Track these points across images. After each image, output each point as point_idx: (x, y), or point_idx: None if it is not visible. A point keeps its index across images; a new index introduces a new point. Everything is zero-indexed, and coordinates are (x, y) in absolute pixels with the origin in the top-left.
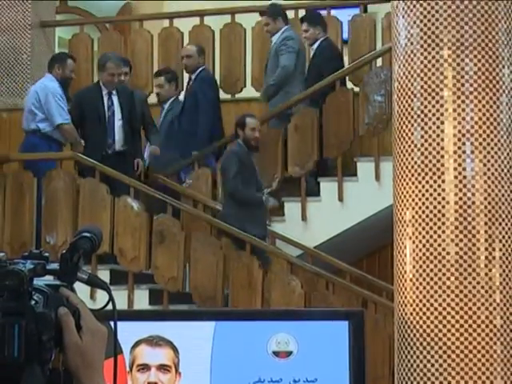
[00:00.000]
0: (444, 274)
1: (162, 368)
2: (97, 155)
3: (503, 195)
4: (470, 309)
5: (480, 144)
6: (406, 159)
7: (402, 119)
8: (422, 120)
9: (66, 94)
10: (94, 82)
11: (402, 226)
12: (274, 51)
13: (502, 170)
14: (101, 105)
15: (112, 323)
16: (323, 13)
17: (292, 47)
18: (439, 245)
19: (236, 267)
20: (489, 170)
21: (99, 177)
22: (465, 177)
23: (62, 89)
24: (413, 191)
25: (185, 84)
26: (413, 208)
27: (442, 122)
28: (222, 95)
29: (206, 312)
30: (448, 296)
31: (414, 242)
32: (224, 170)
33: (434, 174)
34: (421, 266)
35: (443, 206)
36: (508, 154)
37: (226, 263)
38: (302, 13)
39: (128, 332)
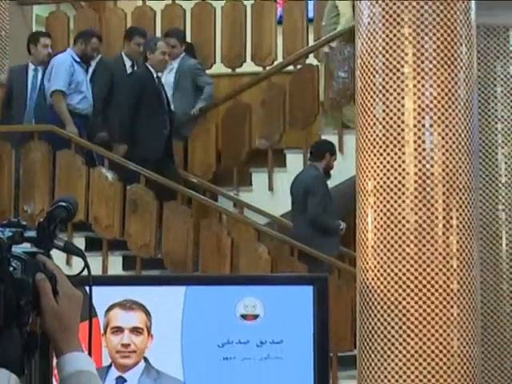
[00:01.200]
0: (404, 242)
1: (135, 330)
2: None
3: (460, 167)
4: (429, 274)
5: (439, 118)
6: (369, 132)
7: (364, 94)
8: (384, 95)
9: (84, 69)
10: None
11: (364, 195)
12: (190, 73)
13: (460, 143)
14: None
15: (87, 288)
16: None
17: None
18: (399, 213)
19: (206, 235)
20: (447, 142)
21: (74, 148)
22: (424, 149)
23: (80, 64)
24: (374, 163)
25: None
26: (374, 179)
27: (403, 97)
28: None
29: (176, 277)
30: (407, 262)
31: (375, 211)
32: (312, 192)
33: (395, 146)
34: (382, 234)
35: (403, 177)
36: (465, 128)
37: (197, 231)
38: None
39: (102, 296)
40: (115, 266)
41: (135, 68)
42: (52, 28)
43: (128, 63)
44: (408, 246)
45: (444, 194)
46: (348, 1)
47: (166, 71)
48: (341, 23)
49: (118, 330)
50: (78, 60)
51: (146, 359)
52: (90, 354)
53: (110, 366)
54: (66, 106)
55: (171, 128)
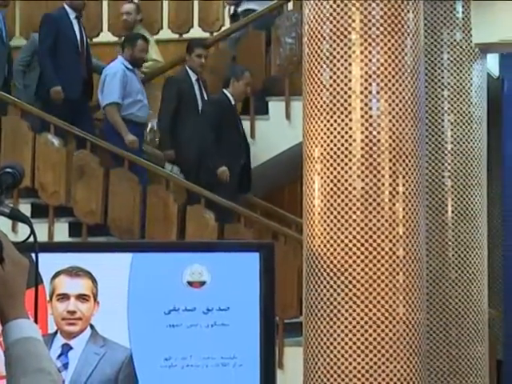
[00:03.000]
0: (350, 208)
1: (81, 297)
2: None
3: (407, 133)
4: (375, 241)
5: (385, 85)
6: (316, 99)
7: (311, 61)
8: (331, 62)
9: (137, 75)
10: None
11: (311, 162)
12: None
13: (406, 110)
14: None
15: (33, 255)
16: None
17: None
18: (346, 180)
19: (152, 201)
20: (393, 109)
21: (20, 114)
22: (371, 116)
23: (132, 71)
24: (321, 129)
25: None
26: (321, 145)
27: (350, 64)
28: None
29: (123, 244)
30: (354, 229)
31: (322, 178)
32: None
33: (342, 113)
34: (328, 201)
35: (350, 144)
36: (412, 95)
37: (143, 197)
38: None
39: (48, 263)
40: (61, 233)
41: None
42: None
43: (193, 77)
44: (354, 212)
45: (390, 160)
46: None
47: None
48: None
49: (64, 296)
50: (130, 67)
51: (92, 326)
52: (35, 321)
53: (55, 333)
54: (120, 116)
55: (248, 157)
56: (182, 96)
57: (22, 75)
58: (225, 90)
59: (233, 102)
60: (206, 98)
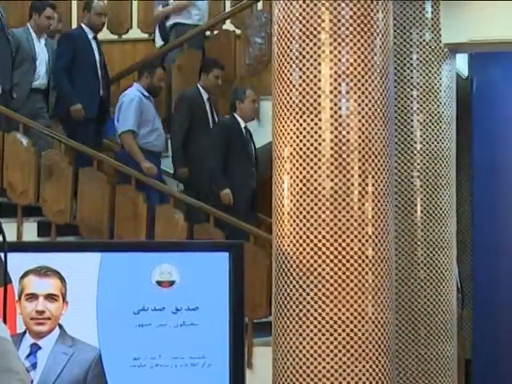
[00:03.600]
0: (320, 208)
1: (50, 297)
2: None
3: (376, 133)
4: (344, 241)
5: (355, 85)
6: (285, 98)
7: (281, 60)
8: (300, 61)
9: (153, 103)
10: None
11: (281, 162)
12: None
13: (376, 110)
14: None
15: (2, 254)
16: None
17: None
18: (315, 180)
19: (122, 201)
20: (363, 109)
21: None
22: (340, 116)
23: (149, 99)
24: (291, 129)
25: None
26: (291, 145)
27: (319, 64)
28: (109, 36)
29: (92, 244)
30: (323, 229)
31: (291, 178)
32: None
33: (311, 112)
34: (298, 200)
35: (319, 144)
36: (381, 95)
37: (112, 197)
38: None
39: (17, 263)
40: (30, 233)
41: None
42: None
43: (205, 96)
44: (324, 212)
45: (360, 160)
46: None
47: None
48: None
49: (33, 296)
50: (147, 94)
51: (60, 326)
52: (4, 320)
53: (24, 333)
54: (136, 144)
55: (256, 180)
56: (193, 114)
57: None
58: (235, 114)
59: (242, 125)
60: (215, 119)
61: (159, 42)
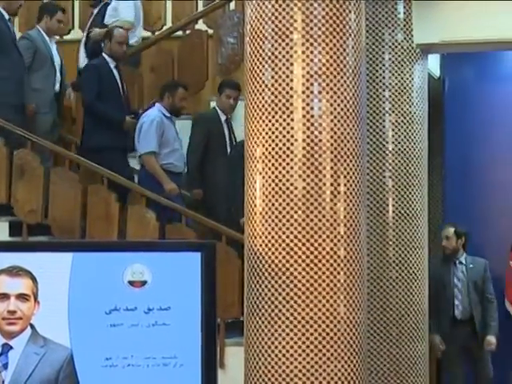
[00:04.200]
0: (292, 208)
1: (21, 297)
2: None
3: (348, 133)
4: (316, 241)
5: (327, 85)
6: (257, 98)
7: (253, 60)
8: (273, 61)
9: (174, 124)
10: None
11: (253, 161)
12: None
13: (348, 110)
14: None
15: None
16: None
17: None
18: (287, 180)
19: (94, 200)
20: (335, 109)
21: None
22: (312, 116)
23: (170, 119)
24: (263, 129)
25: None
26: (263, 145)
27: (292, 64)
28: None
29: (64, 243)
30: (295, 228)
31: (263, 177)
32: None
33: (284, 112)
34: (270, 200)
35: (292, 144)
36: (353, 95)
37: (84, 196)
38: None
39: None
40: (1, 232)
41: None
42: None
43: (223, 117)
44: (296, 212)
45: (332, 160)
46: None
47: None
48: None
49: (4, 296)
50: (168, 115)
51: (32, 326)
52: None
53: None
54: (159, 165)
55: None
56: (210, 135)
57: None
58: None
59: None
60: (234, 141)
61: (84, 62)
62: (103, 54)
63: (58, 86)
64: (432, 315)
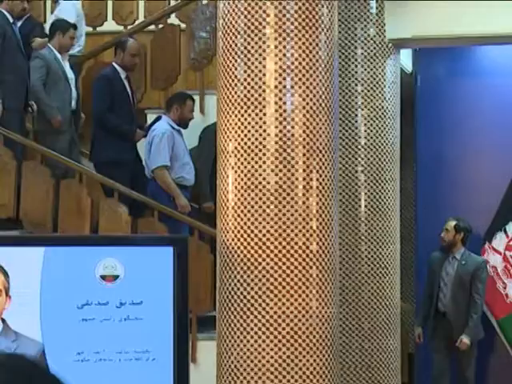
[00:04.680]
0: (264, 203)
1: None
2: None
3: (320, 128)
4: (288, 235)
5: (300, 79)
6: (230, 93)
7: (226, 55)
8: (245, 56)
9: (182, 136)
10: None
11: (225, 156)
12: None
13: (320, 105)
14: None
15: None
16: None
17: None
18: (260, 174)
19: (66, 195)
20: (307, 104)
21: None
22: (285, 110)
23: (178, 132)
24: (236, 123)
25: None
26: (235, 140)
27: (264, 58)
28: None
29: (35, 238)
30: (267, 223)
31: (236, 172)
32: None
33: (256, 107)
34: (242, 195)
35: (264, 138)
36: (326, 89)
37: (56, 191)
38: None
39: None
40: None
41: None
42: None
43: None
44: (268, 206)
45: (304, 155)
46: None
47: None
48: None
49: None
50: (176, 127)
51: (3, 321)
52: None
53: None
54: (171, 179)
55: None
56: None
57: None
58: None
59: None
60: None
61: None
62: (114, 64)
63: (74, 103)
64: (421, 306)
